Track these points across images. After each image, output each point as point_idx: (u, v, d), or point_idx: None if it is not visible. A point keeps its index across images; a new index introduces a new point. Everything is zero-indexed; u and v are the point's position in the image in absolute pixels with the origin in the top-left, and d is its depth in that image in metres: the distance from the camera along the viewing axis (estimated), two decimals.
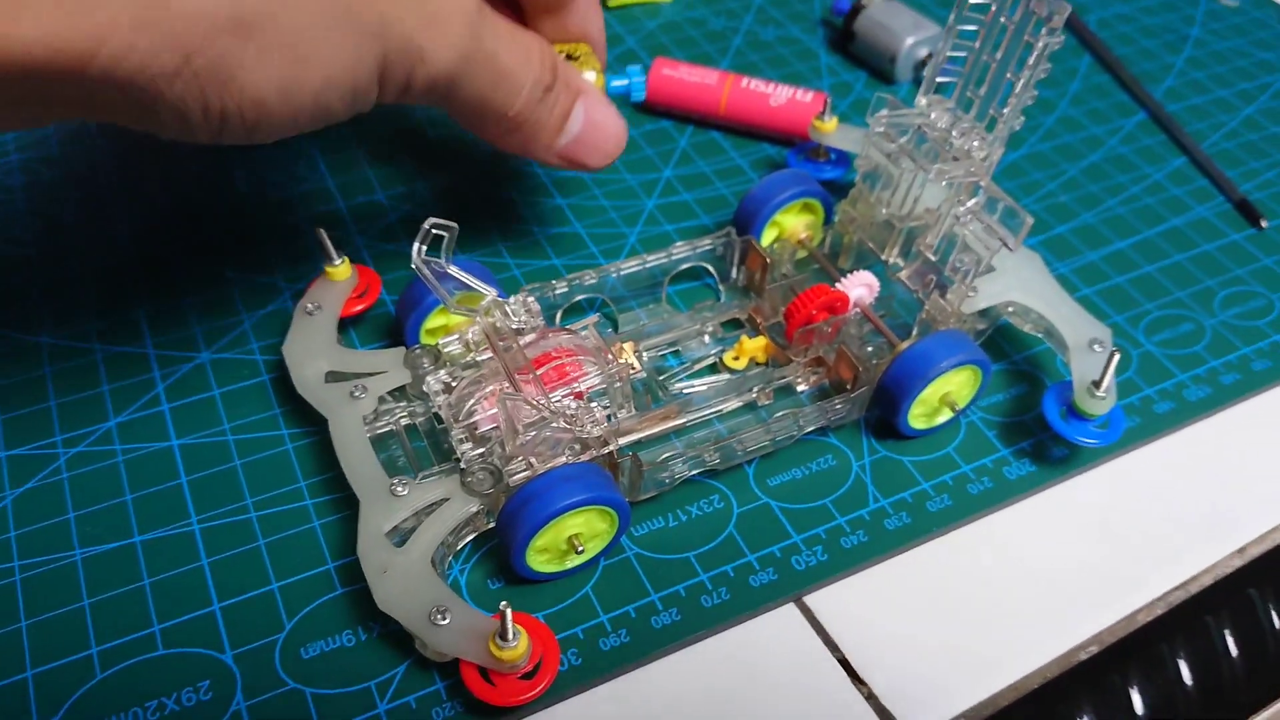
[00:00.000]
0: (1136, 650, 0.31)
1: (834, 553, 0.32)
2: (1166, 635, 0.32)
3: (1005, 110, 0.34)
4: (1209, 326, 0.40)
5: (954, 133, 0.35)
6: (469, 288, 0.32)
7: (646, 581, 0.31)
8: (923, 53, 0.50)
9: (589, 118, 0.34)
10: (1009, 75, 0.33)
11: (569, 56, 0.37)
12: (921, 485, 0.34)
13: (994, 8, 0.33)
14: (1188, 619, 0.32)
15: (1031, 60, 0.32)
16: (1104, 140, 0.48)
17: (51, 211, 0.42)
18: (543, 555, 0.30)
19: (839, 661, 0.30)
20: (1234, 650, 0.32)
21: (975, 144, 0.35)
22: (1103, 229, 0.44)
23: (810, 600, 0.31)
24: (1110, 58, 0.53)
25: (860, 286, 0.36)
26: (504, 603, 0.26)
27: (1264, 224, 0.44)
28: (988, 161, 0.35)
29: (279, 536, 0.31)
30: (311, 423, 0.34)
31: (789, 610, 0.31)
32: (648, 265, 0.37)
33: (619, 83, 0.39)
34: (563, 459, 0.30)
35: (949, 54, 0.35)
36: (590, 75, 0.36)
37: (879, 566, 0.32)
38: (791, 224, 0.39)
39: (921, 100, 0.36)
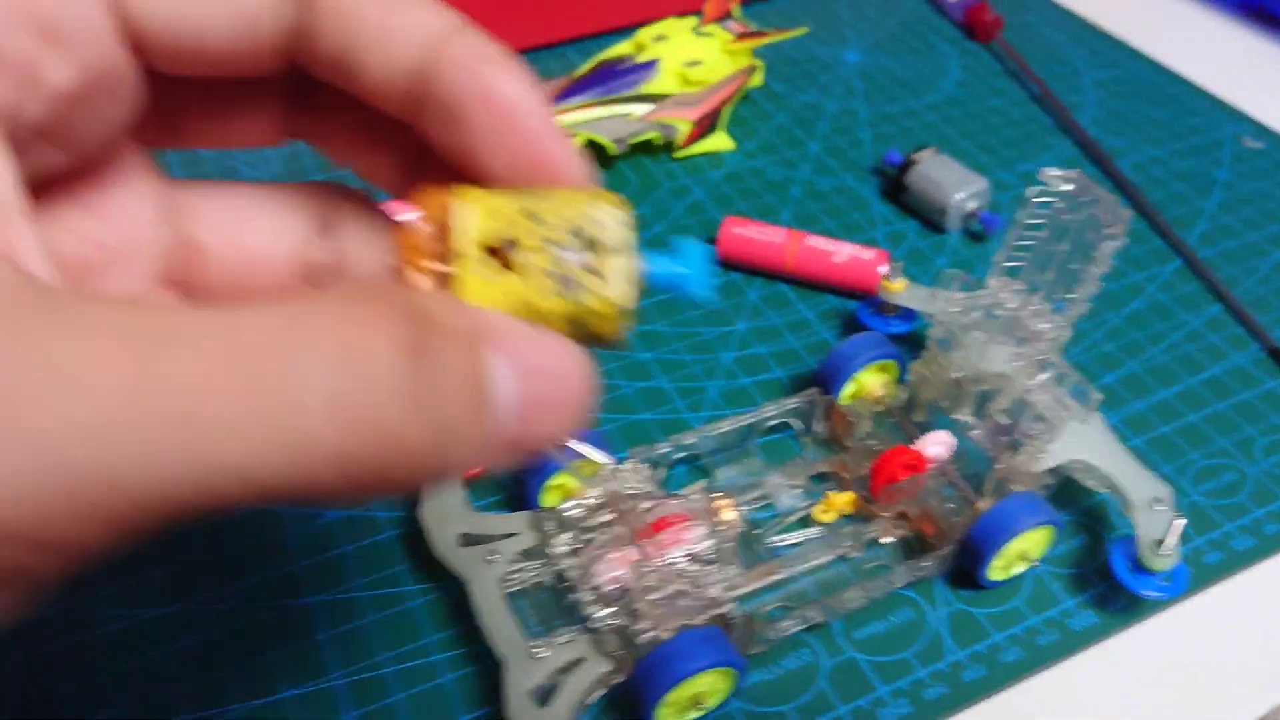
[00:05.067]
0: None
1: (918, 705, 0.35)
2: None
3: (1073, 297, 0.37)
4: (1251, 475, 0.43)
5: (1024, 312, 0.39)
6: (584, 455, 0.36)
7: None
8: (970, 205, 0.54)
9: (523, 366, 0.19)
10: (1074, 266, 0.37)
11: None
12: (994, 637, 0.37)
13: (1057, 204, 0.37)
14: None
15: (1097, 256, 0.36)
16: (1143, 287, 0.52)
17: None
18: (668, 709, 0.33)
19: None
20: None
21: (1044, 326, 0.38)
22: (1146, 378, 0.47)
23: None
24: (1145, 202, 0.57)
25: (937, 445, 0.40)
26: None
27: None
28: (1056, 341, 0.38)
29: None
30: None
31: None
32: (740, 424, 0.41)
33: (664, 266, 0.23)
34: (683, 620, 0.33)
35: (1016, 244, 0.39)
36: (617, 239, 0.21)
37: (958, 718, 0.35)
38: (869, 381, 0.43)
39: (992, 282, 0.40)
